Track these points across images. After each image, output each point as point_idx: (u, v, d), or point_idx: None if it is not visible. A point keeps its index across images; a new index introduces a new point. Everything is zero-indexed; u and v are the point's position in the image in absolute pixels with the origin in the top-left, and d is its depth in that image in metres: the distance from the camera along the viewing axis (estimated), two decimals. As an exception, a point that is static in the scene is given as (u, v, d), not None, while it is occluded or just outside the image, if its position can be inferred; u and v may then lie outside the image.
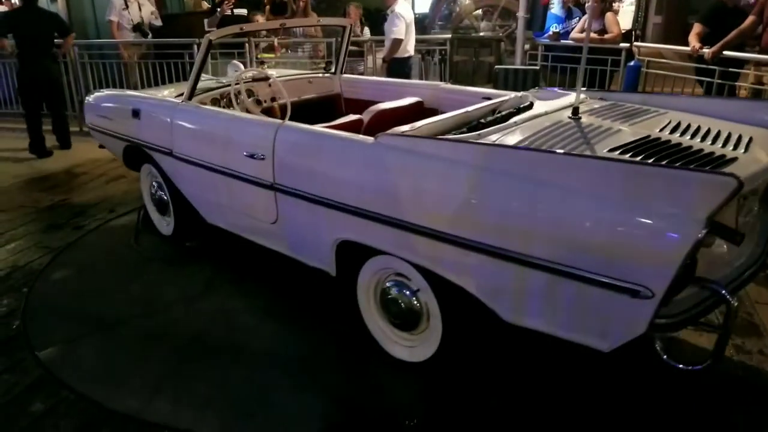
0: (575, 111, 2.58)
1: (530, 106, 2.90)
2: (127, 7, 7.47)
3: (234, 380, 2.60)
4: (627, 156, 2.10)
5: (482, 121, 2.70)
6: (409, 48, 6.34)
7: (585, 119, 2.56)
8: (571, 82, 5.73)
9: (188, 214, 3.73)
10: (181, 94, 3.60)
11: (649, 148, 2.17)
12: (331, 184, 2.59)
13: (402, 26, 6.06)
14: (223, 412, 2.41)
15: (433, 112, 3.53)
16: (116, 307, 3.23)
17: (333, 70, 4.53)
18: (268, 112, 3.77)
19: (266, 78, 4.03)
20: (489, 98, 3.40)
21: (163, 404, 2.46)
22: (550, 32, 6.36)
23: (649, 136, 2.32)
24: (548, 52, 6.39)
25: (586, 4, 6.06)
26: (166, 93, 4.02)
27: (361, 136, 2.63)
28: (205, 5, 11.41)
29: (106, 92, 4.43)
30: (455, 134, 2.50)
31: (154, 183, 4.00)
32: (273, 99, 4.00)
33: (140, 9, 7.60)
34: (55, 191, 5.12)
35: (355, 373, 2.66)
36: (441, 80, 6.70)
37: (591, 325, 1.96)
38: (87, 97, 4.52)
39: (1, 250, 3.96)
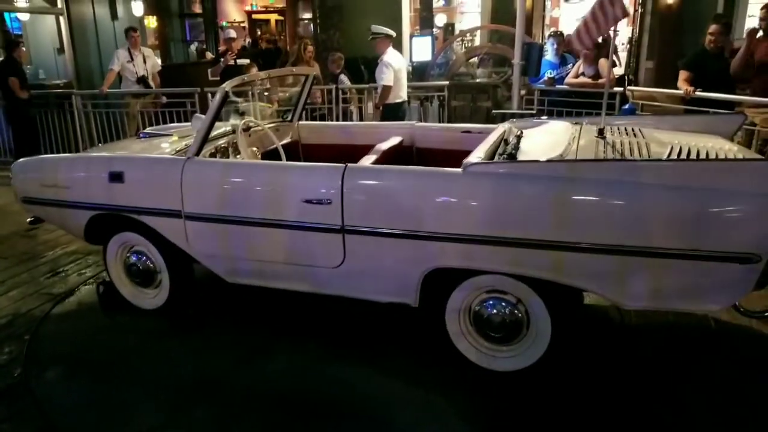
0: (601, 132, 3.08)
1: (521, 134, 3.37)
2: (132, 59, 7.69)
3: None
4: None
5: (507, 146, 3.10)
6: (401, 94, 6.49)
7: (608, 137, 3.06)
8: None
9: (187, 280, 3.60)
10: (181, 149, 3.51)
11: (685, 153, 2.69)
12: (422, 218, 2.74)
13: (390, 74, 6.25)
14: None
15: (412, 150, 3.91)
16: (121, 357, 3.20)
17: (290, 118, 4.51)
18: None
19: (256, 128, 4.03)
20: (469, 132, 3.90)
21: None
22: (545, 78, 6.52)
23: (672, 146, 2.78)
24: (544, 97, 6.57)
25: (582, 51, 6.24)
26: (125, 151, 3.86)
27: (448, 169, 2.77)
28: (209, 55, 11.74)
29: (53, 157, 4.01)
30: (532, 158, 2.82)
31: (130, 254, 3.61)
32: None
33: (145, 62, 7.82)
34: (57, 239, 5.12)
35: (466, 397, 2.73)
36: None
37: (707, 294, 2.50)
38: (17, 165, 3.88)
39: (2, 297, 3.95)
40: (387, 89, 6.29)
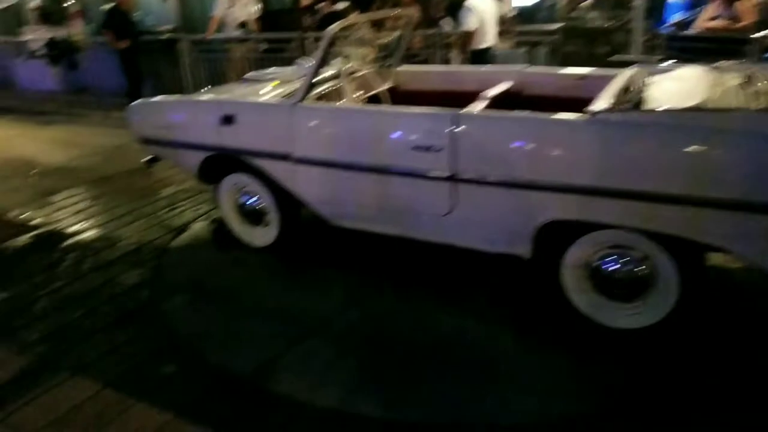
0: (745, 80, 2.75)
1: (649, 81, 3.05)
2: (233, 5, 7.85)
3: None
4: None
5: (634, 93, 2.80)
6: (488, 39, 6.20)
7: (753, 86, 2.70)
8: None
9: (295, 221, 3.67)
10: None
11: None
12: (541, 167, 2.62)
13: (472, 18, 5.97)
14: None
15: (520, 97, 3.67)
16: (240, 287, 3.36)
17: (390, 63, 4.39)
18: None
19: (358, 72, 3.96)
20: (586, 77, 3.61)
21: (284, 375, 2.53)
22: (673, 22, 5.96)
23: None
24: (670, 43, 6.00)
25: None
26: (229, 94, 3.91)
27: (570, 115, 2.61)
28: (305, 1, 11.70)
29: (167, 99, 4.04)
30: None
31: (241, 194, 3.72)
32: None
33: (245, 8, 7.96)
34: (171, 177, 5.38)
35: (577, 353, 2.63)
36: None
37: None
38: (133, 108, 4.02)
39: (130, 227, 4.25)
40: (470, 34, 6.01)
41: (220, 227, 4.04)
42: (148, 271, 3.54)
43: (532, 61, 6.89)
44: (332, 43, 3.29)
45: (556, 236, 2.74)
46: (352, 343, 2.76)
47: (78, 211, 4.63)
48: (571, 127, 2.61)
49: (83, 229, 4.25)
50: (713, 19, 5.68)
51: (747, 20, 5.51)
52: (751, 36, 5.40)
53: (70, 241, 4.06)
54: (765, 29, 5.56)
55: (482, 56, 6.20)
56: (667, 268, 2.56)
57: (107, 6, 8.30)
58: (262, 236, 3.74)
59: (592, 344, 2.67)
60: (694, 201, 2.35)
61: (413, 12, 4.80)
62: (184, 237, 4.06)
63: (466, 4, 6.01)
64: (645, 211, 2.46)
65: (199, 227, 4.22)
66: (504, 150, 2.72)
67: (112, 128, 7.46)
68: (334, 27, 3.29)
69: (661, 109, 2.56)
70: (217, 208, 4.02)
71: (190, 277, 3.50)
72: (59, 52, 8.87)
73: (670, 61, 3.94)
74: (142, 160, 4.22)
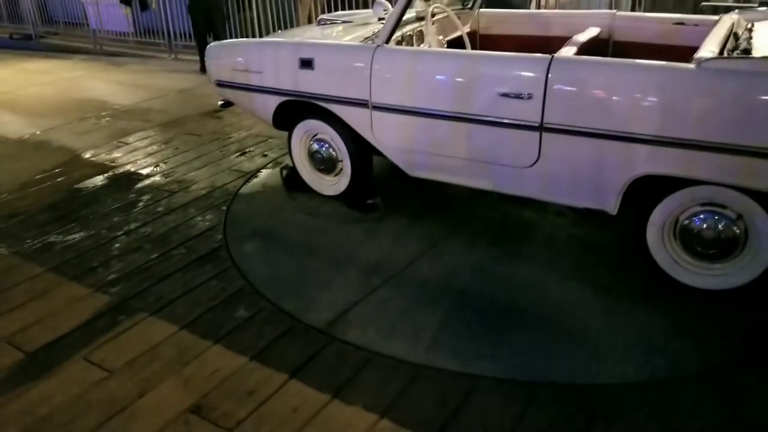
0: None
1: (753, 27, 2.94)
2: None
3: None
4: None
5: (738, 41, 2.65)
6: None
7: None
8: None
9: (368, 170, 3.56)
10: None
11: None
12: (638, 118, 2.47)
13: None
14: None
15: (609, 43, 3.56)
16: (308, 236, 3.31)
17: (470, 5, 4.16)
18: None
19: (440, 14, 3.78)
20: (683, 23, 3.42)
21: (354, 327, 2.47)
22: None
23: None
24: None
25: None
26: (310, 34, 3.82)
27: (677, 64, 2.45)
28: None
29: (244, 42, 3.95)
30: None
31: (313, 141, 3.62)
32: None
33: None
34: (240, 121, 5.39)
35: (662, 311, 2.52)
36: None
37: None
38: (211, 49, 3.96)
39: (201, 171, 4.26)
40: None
41: (290, 174, 3.98)
42: (221, 216, 3.53)
43: (616, 3, 6.43)
44: None
45: (645, 191, 2.59)
46: (426, 295, 2.67)
47: (150, 154, 4.68)
48: (677, 76, 2.41)
49: (156, 172, 4.29)
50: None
51: None
52: None
53: (145, 182, 4.11)
54: None
55: None
56: (762, 228, 2.42)
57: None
58: (332, 185, 3.66)
59: (674, 304, 2.53)
60: None
61: None
62: (255, 183, 4.03)
63: None
64: (745, 167, 2.31)
65: (269, 173, 4.18)
66: (600, 98, 2.56)
67: (182, 71, 7.53)
68: None
69: None
70: (287, 154, 3.95)
71: (261, 223, 3.47)
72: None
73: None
74: (219, 103, 4.19)
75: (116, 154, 4.69)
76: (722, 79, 2.31)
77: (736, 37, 2.81)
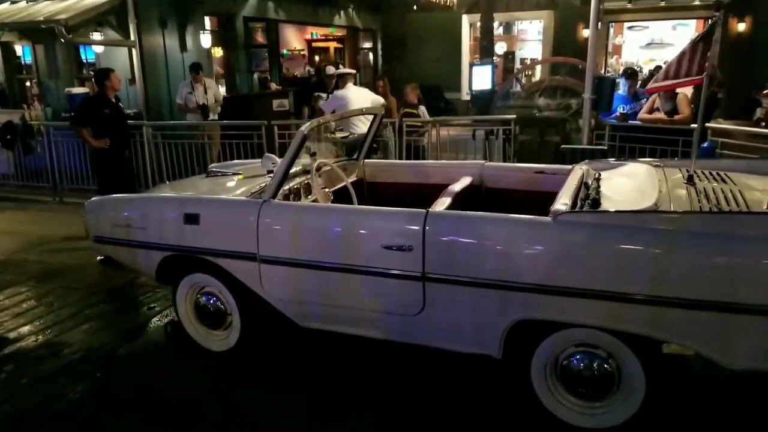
0: (690, 178, 3.01)
1: (600, 177, 3.29)
2: (192, 91, 8.18)
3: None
4: None
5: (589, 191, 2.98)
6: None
7: (698, 183, 2.98)
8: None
9: (258, 323, 3.53)
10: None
11: None
12: (509, 267, 2.65)
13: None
14: None
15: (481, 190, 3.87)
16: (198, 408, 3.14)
17: (356, 156, 4.46)
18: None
19: (326, 167, 3.99)
20: (542, 172, 3.81)
21: None
22: (618, 113, 6.29)
23: None
24: (615, 133, 6.31)
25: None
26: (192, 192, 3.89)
27: (536, 218, 2.68)
28: (274, 86, 11.99)
29: (125, 197, 3.97)
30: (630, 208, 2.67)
31: (201, 294, 3.57)
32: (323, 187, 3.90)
33: (206, 92, 8.23)
34: (126, 273, 5.18)
35: None
36: (504, 161, 6.70)
37: None
38: (90, 204, 3.91)
39: (75, 330, 4.00)
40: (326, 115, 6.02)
41: (176, 330, 3.84)
42: (95, 385, 3.30)
43: (489, 148, 7.12)
44: (304, 141, 3.27)
45: (524, 335, 2.75)
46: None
47: (19, 313, 4.34)
48: (537, 228, 2.67)
49: (24, 335, 3.97)
50: (653, 111, 6.01)
51: (686, 113, 5.84)
52: (690, 126, 5.72)
53: (9, 349, 3.78)
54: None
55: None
56: (631, 366, 2.61)
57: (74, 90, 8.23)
58: (221, 339, 3.58)
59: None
60: (652, 301, 2.43)
61: (380, 109, 4.91)
62: (137, 341, 3.84)
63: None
64: (608, 311, 2.52)
65: (152, 330, 4.01)
66: (473, 250, 2.76)
67: (67, 215, 7.22)
68: (306, 126, 3.30)
69: (621, 210, 2.66)
70: (172, 307, 3.83)
71: (142, 391, 3.27)
72: (13, 137, 8.63)
73: (611, 159, 4.07)
74: (98, 259, 4.04)
75: (-20, 315, 4.31)
76: (575, 230, 2.59)
77: (587, 186, 3.13)
